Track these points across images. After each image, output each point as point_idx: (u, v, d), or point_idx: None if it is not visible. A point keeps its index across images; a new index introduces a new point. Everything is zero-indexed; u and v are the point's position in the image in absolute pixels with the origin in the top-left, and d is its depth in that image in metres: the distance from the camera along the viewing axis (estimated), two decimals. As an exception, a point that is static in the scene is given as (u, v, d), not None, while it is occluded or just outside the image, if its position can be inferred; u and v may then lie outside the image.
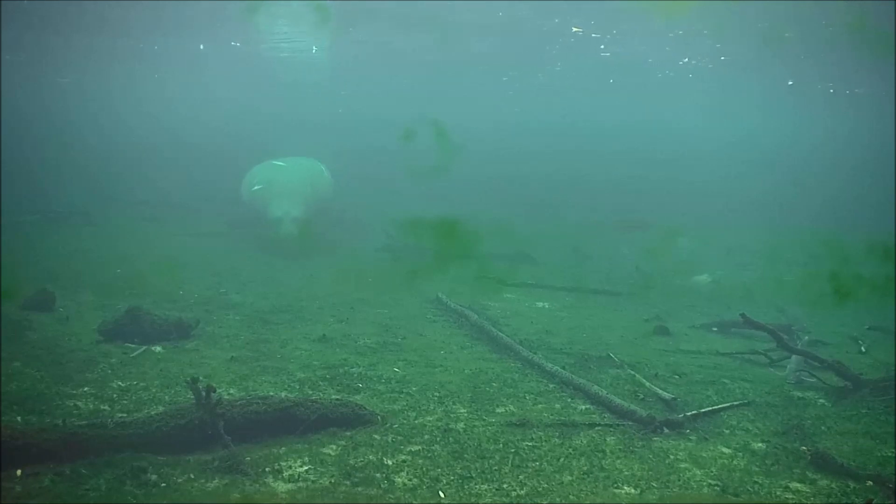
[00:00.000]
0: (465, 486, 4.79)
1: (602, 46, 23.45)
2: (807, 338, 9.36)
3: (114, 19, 20.24)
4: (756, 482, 5.14)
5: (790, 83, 27.53)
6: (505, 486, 4.83)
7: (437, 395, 6.52)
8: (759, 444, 5.84)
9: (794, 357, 8.07)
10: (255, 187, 14.94)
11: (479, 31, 21.37)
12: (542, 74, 29.72)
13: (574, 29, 21.28)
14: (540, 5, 18.18)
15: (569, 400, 6.61)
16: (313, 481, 4.72)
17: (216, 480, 4.62)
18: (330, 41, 24.57)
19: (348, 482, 4.74)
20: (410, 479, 4.84)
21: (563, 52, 24.68)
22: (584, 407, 6.44)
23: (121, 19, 20.28)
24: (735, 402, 6.78)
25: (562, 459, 5.29)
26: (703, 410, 6.44)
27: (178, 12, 19.68)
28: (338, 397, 6.08)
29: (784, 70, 25.06)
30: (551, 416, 6.14)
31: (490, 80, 32.02)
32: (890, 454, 5.81)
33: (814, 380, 7.61)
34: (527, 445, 5.50)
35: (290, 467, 4.87)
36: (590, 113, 37.93)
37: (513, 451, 5.39)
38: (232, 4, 18.72)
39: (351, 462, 5.02)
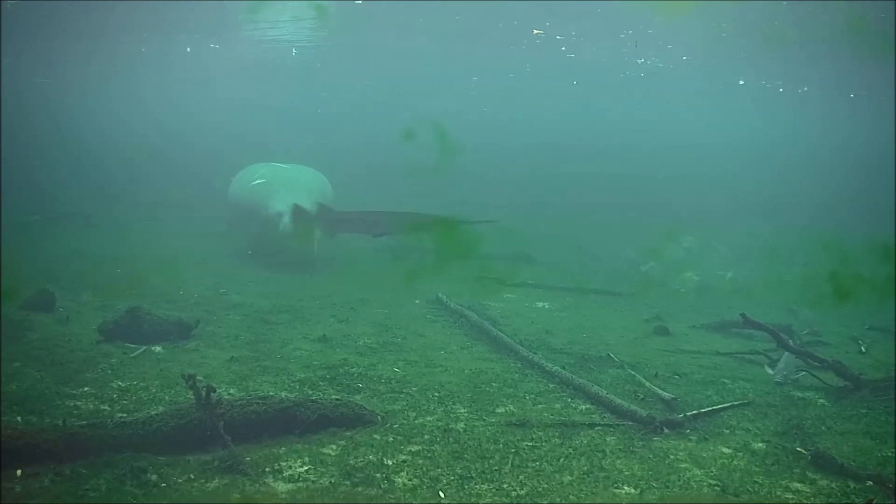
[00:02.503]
0: (465, 486, 4.79)
1: (563, 48, 23.57)
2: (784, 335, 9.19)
3: (99, 21, 20.26)
4: (756, 482, 5.14)
5: (741, 82, 27.72)
6: (505, 486, 4.83)
7: (437, 395, 6.52)
8: (759, 444, 5.84)
9: (784, 356, 8.06)
10: (256, 181, 13.45)
11: (448, 32, 21.50)
12: (512, 74, 29.89)
13: (535, 31, 21.35)
14: (499, 6, 18.20)
15: (569, 400, 6.61)
16: (313, 481, 4.72)
17: (216, 480, 4.62)
18: (313, 43, 24.61)
19: (348, 482, 4.74)
20: (410, 479, 4.84)
21: (530, 53, 24.85)
22: (584, 407, 6.44)
23: (105, 21, 20.31)
24: (735, 402, 6.78)
25: (562, 459, 5.29)
26: (703, 410, 6.44)
27: (163, 14, 19.68)
28: (338, 397, 6.07)
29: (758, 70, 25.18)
30: (551, 416, 6.14)
31: (460, 80, 32.30)
32: (890, 454, 5.81)
33: (801, 375, 7.61)
34: (527, 445, 5.50)
35: (290, 467, 4.87)
36: (572, 113, 38.09)
37: (513, 451, 5.39)
38: (216, 6, 18.69)
39: (351, 462, 5.02)
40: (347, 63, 29.00)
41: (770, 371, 7.91)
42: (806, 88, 27.60)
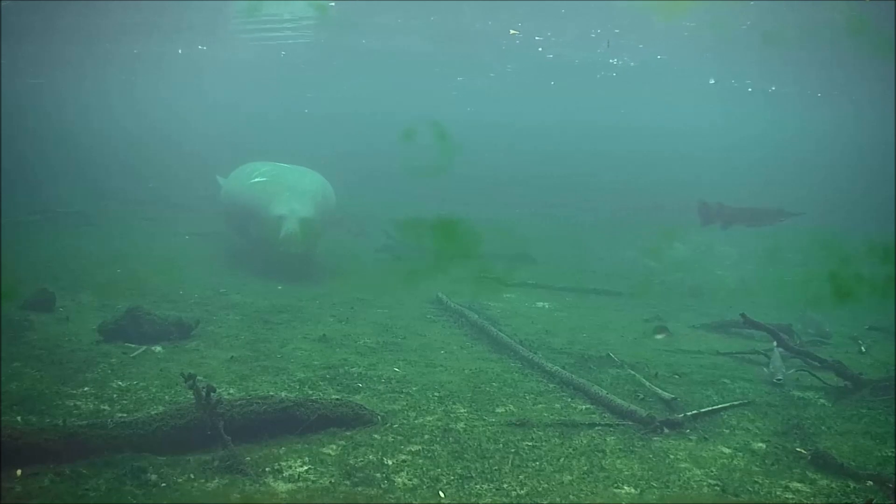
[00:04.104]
0: (465, 486, 4.79)
1: (540, 49, 23.64)
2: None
3: (94, 21, 20.30)
4: (756, 482, 5.14)
5: (712, 81, 27.85)
6: (505, 486, 4.83)
7: (437, 394, 6.52)
8: (759, 444, 5.84)
9: (775, 353, 8.05)
10: (255, 179, 12.43)
11: (435, 33, 21.59)
12: (493, 73, 29.99)
13: (511, 32, 21.40)
14: (474, 6, 18.24)
15: (569, 400, 6.61)
16: (313, 481, 4.72)
17: (216, 480, 4.62)
18: (302, 42, 24.66)
19: (348, 482, 4.74)
20: (410, 479, 4.84)
21: (510, 54, 24.93)
22: (584, 407, 6.44)
23: (100, 21, 20.35)
24: (735, 402, 6.78)
25: (562, 459, 5.29)
26: (703, 410, 6.44)
27: (155, 16, 19.71)
28: (338, 397, 6.08)
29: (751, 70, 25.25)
30: (551, 416, 6.14)
31: (445, 81, 32.44)
32: (890, 454, 5.81)
33: (792, 372, 7.61)
34: (527, 445, 5.50)
35: (290, 467, 4.87)
36: (562, 113, 38.18)
37: (513, 451, 5.39)
38: (209, 6, 18.70)
39: (351, 462, 5.02)
40: (334, 63, 29.07)
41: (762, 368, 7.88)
42: (774, 88, 27.75)
